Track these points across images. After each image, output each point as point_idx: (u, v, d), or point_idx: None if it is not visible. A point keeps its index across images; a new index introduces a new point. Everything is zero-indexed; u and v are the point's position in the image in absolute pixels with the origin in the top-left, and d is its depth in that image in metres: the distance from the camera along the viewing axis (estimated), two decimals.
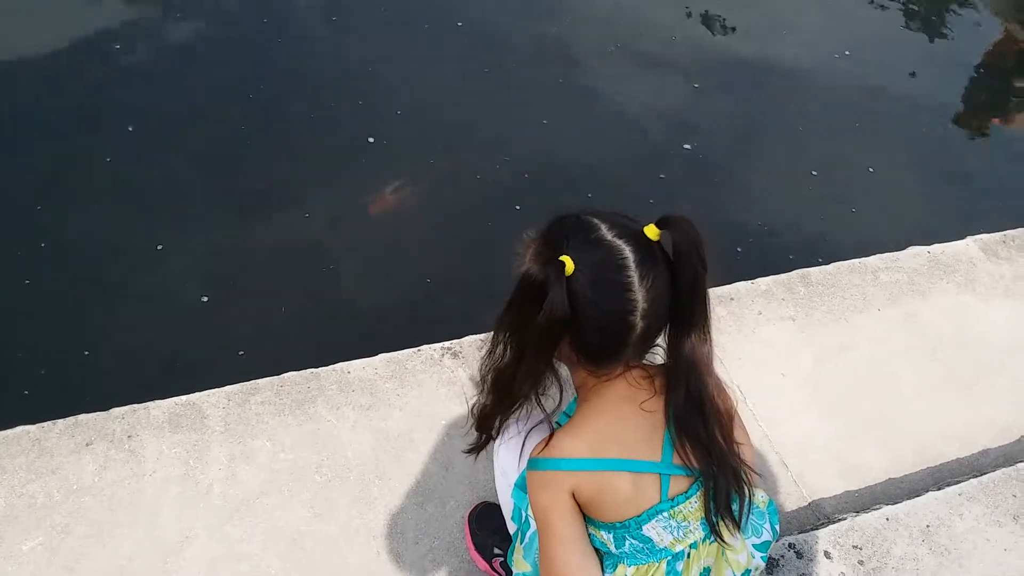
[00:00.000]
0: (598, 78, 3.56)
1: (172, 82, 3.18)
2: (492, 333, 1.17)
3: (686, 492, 1.18)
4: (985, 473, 1.92)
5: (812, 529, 1.78)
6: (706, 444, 1.15)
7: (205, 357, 2.40)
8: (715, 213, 3.06)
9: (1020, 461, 1.96)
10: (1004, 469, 1.92)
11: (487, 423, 1.27)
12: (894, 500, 1.87)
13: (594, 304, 1.06)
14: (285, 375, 1.94)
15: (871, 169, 3.41)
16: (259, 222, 2.78)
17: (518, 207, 2.96)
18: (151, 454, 1.75)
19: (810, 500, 1.90)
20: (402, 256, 2.77)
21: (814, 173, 3.34)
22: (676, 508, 1.17)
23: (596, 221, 1.09)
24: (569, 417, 1.26)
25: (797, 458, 1.97)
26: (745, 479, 1.19)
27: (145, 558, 1.60)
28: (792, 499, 1.90)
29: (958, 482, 1.90)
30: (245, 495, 1.72)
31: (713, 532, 1.18)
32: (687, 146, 3.32)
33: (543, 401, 1.22)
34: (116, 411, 1.81)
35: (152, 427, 1.79)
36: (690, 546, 1.20)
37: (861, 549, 1.72)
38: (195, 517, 1.67)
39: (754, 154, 3.41)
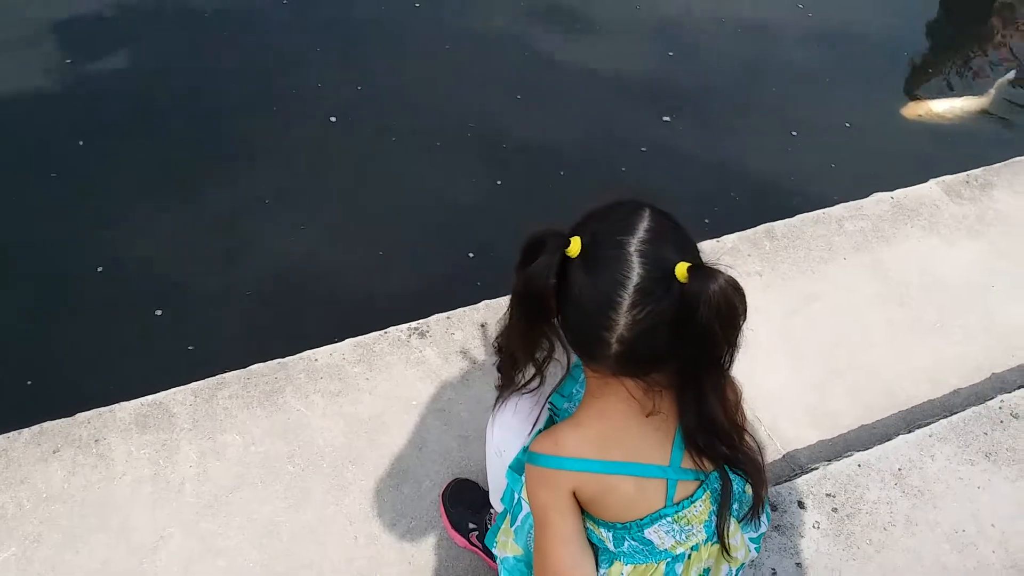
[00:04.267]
0: (567, 51, 3.52)
1: (124, 91, 3.11)
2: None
3: (691, 496, 1.15)
4: (956, 413, 1.94)
5: (787, 480, 1.79)
6: (720, 457, 1.12)
7: (165, 362, 2.36)
8: (694, 181, 3.05)
9: (990, 399, 1.97)
10: (974, 407, 1.93)
11: (505, 375, 1.26)
12: (867, 446, 1.88)
13: (576, 303, 1.00)
14: (252, 367, 1.92)
15: (847, 124, 3.40)
16: (216, 211, 2.74)
17: (499, 182, 2.94)
18: (120, 456, 1.73)
19: (784, 452, 1.91)
20: (367, 236, 2.74)
21: (794, 134, 3.33)
22: (680, 513, 1.14)
23: (638, 226, 1.00)
24: (574, 406, 1.22)
25: (769, 411, 1.98)
26: (761, 480, 1.17)
27: (120, 561, 1.59)
28: (767, 452, 1.90)
29: (929, 423, 1.91)
30: (218, 490, 1.71)
31: (720, 539, 1.17)
32: (666, 118, 3.29)
33: (545, 380, 1.21)
34: (81, 416, 1.79)
35: (119, 429, 1.77)
36: (691, 548, 1.19)
37: (835, 496, 1.73)
38: (169, 516, 1.66)
39: (732, 119, 3.38)
